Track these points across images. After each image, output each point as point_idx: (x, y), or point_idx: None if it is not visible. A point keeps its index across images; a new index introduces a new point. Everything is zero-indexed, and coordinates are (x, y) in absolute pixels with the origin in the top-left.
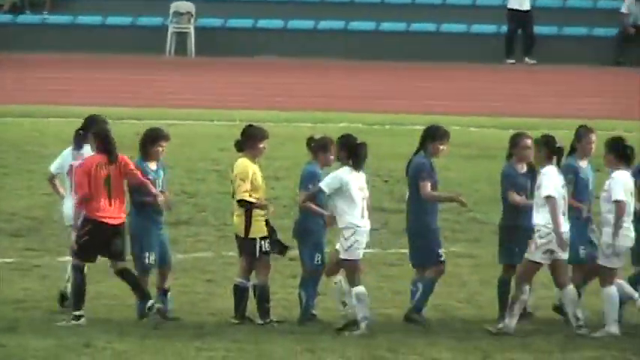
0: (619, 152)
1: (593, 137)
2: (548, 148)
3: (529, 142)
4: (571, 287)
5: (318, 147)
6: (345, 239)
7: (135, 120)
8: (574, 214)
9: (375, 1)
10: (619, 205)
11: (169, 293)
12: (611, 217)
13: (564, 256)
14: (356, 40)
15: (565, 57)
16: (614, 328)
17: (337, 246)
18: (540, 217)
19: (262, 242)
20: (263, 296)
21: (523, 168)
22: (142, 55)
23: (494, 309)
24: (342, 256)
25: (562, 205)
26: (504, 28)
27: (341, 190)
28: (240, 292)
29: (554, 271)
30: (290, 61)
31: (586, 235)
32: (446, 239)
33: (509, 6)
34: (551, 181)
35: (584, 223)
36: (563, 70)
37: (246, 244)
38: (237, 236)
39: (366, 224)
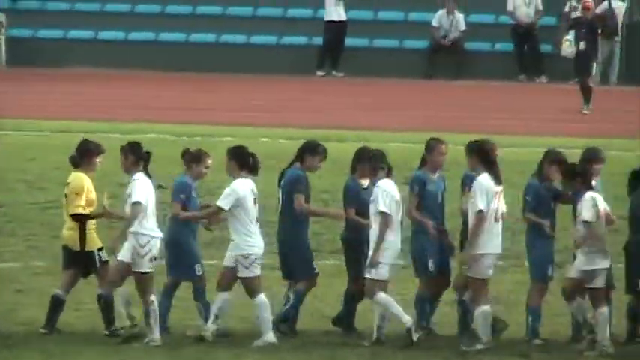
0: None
1: (444, 148)
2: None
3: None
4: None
5: (191, 159)
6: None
7: None
8: (419, 227)
9: (186, 12)
10: (384, 217)
11: None
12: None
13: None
14: (166, 51)
15: (376, 69)
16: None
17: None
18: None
19: (100, 253)
20: (108, 306)
21: (365, 183)
22: None
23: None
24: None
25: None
26: (316, 40)
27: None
28: (56, 303)
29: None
30: (101, 72)
31: (435, 248)
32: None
33: (327, 18)
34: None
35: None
36: (373, 83)
37: (82, 257)
38: (68, 250)
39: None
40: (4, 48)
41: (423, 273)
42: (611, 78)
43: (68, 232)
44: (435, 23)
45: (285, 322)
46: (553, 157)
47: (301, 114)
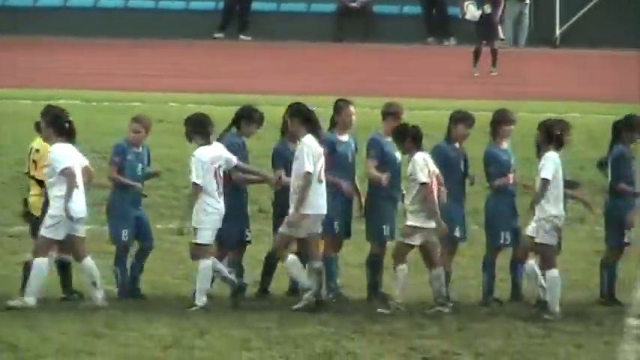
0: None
1: (352, 109)
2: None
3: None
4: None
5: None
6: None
7: None
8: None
9: None
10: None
11: None
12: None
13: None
14: (76, 18)
15: (283, 33)
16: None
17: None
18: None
19: None
20: (68, 272)
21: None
22: None
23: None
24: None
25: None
26: (222, 5)
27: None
28: (30, 269)
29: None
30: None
31: (342, 208)
32: (162, 216)
33: None
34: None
35: (343, 198)
36: (282, 47)
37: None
38: (30, 215)
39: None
40: None
41: (329, 232)
42: (521, 39)
43: (33, 198)
44: None
45: (240, 292)
46: (458, 117)
47: (211, 79)
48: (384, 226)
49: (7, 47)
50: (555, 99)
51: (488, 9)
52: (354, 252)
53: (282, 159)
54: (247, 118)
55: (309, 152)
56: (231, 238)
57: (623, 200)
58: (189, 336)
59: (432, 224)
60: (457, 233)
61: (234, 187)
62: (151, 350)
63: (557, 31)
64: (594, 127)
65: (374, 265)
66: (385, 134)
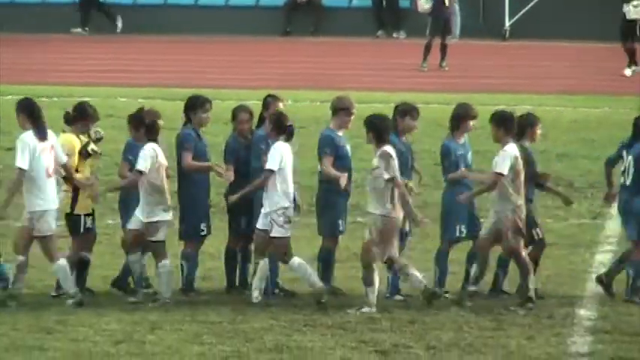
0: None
1: (281, 105)
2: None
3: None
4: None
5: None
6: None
7: None
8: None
9: None
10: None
11: None
12: None
13: None
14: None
15: (232, 27)
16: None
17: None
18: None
19: (87, 219)
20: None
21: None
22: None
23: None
24: None
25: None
26: None
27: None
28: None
29: None
30: None
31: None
32: (114, 211)
33: None
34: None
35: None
36: (230, 41)
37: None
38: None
39: None
40: None
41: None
42: (455, 33)
43: (64, 193)
44: None
45: (190, 289)
46: (404, 110)
47: (160, 75)
48: (339, 221)
49: None
50: (506, 92)
51: (446, 2)
52: (305, 246)
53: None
54: (192, 107)
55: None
56: (189, 231)
57: None
58: (140, 331)
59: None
60: (406, 227)
61: (190, 179)
62: (102, 345)
63: (507, 24)
64: (545, 120)
65: (326, 259)
66: (335, 128)
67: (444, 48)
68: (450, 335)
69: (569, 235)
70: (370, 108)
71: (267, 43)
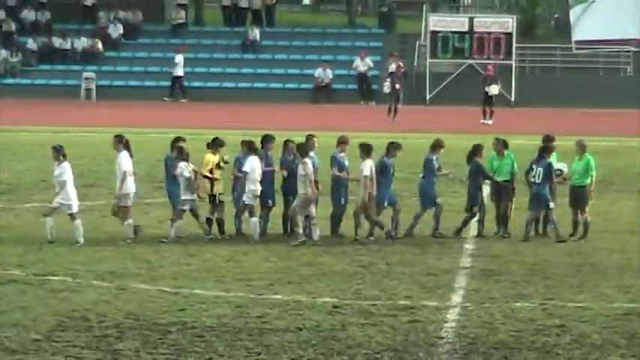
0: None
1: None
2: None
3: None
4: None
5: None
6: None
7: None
8: None
9: None
10: None
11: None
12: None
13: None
14: None
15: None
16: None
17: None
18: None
19: (219, 196)
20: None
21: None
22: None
23: None
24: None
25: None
26: None
27: None
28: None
29: None
30: None
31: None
32: None
33: None
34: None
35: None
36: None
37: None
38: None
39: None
40: None
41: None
42: (401, 101)
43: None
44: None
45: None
46: (393, 143)
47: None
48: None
49: None
50: (427, 135)
51: (397, 85)
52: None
53: None
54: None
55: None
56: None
57: None
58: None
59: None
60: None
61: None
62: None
63: (428, 96)
64: (452, 149)
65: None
66: (340, 151)
67: (396, 109)
68: (396, 258)
69: (459, 205)
70: (360, 139)
71: (298, 108)
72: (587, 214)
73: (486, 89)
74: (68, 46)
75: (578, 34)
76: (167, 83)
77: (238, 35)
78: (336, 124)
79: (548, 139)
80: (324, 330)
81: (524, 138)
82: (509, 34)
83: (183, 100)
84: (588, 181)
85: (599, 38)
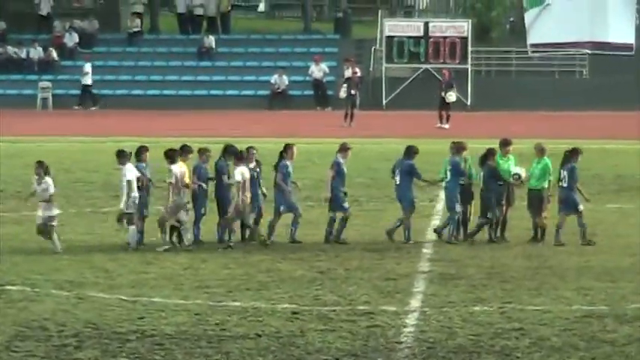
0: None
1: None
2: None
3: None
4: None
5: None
6: None
7: None
8: None
9: None
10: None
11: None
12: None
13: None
14: None
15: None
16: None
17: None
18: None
19: None
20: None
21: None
22: None
23: None
24: None
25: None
26: None
27: None
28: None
29: None
30: None
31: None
32: None
33: None
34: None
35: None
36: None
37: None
38: None
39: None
40: None
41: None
42: (357, 106)
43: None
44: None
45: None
46: (343, 145)
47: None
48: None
49: None
50: (383, 140)
51: (351, 91)
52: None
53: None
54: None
55: None
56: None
57: None
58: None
59: None
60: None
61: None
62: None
63: (385, 100)
64: (389, 152)
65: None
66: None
67: (352, 115)
68: (355, 263)
69: (419, 209)
70: (319, 144)
71: (255, 114)
72: (545, 217)
73: (443, 96)
74: (24, 55)
75: (533, 37)
76: (124, 91)
77: (194, 43)
78: (293, 130)
79: (574, 151)
80: (284, 336)
81: (479, 142)
82: (465, 39)
83: (93, 108)
84: (546, 184)
85: (554, 41)
